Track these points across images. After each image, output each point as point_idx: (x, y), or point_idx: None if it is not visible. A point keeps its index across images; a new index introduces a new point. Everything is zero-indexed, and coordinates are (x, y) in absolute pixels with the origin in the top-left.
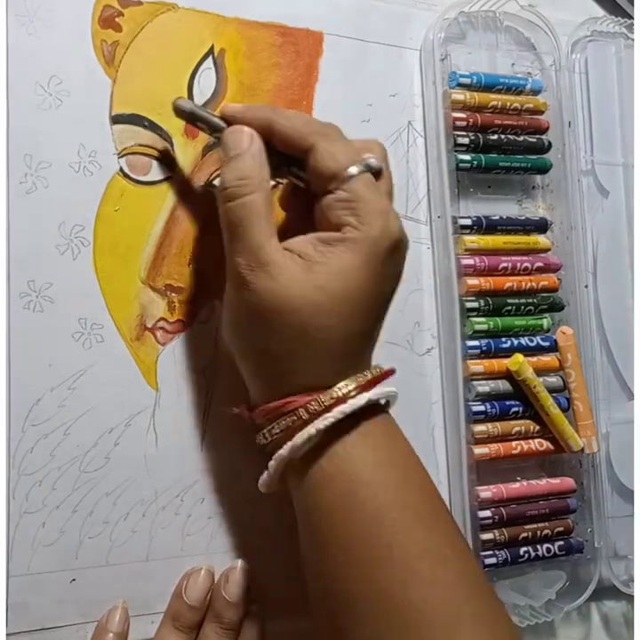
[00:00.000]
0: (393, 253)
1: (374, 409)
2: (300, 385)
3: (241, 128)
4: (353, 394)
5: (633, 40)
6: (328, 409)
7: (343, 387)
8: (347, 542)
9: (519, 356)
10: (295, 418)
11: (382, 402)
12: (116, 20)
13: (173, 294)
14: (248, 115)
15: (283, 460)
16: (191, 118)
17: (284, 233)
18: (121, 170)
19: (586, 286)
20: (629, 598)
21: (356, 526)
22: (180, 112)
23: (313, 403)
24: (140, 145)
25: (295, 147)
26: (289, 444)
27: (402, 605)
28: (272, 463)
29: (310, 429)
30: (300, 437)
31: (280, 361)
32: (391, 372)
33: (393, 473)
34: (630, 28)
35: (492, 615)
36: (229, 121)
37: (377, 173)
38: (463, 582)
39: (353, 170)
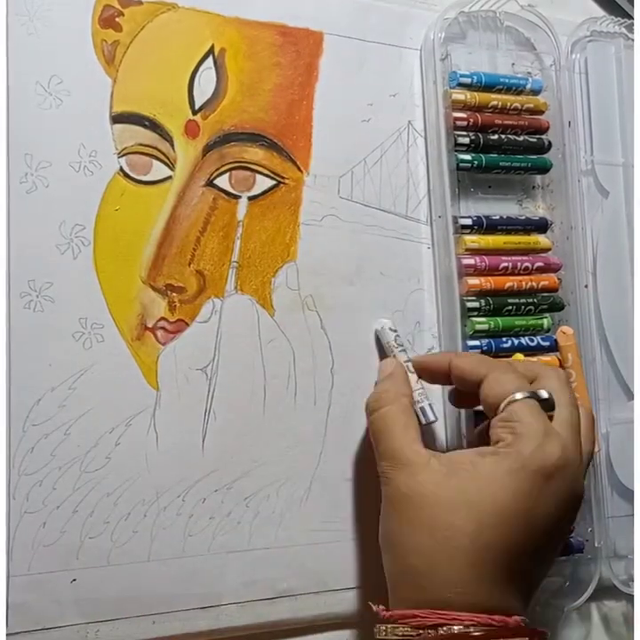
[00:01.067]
0: (548, 478)
1: None
2: (428, 592)
3: (390, 360)
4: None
5: (633, 40)
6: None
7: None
8: None
9: (519, 356)
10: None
11: None
12: (117, 19)
13: (174, 294)
14: (430, 357)
15: None
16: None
17: None
18: (121, 169)
19: (586, 286)
20: (629, 598)
21: None
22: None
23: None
24: (141, 144)
25: (471, 379)
26: None
27: None
28: None
29: None
30: None
31: (410, 557)
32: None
33: None
34: (630, 28)
35: None
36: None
37: (547, 404)
38: None
39: (518, 395)
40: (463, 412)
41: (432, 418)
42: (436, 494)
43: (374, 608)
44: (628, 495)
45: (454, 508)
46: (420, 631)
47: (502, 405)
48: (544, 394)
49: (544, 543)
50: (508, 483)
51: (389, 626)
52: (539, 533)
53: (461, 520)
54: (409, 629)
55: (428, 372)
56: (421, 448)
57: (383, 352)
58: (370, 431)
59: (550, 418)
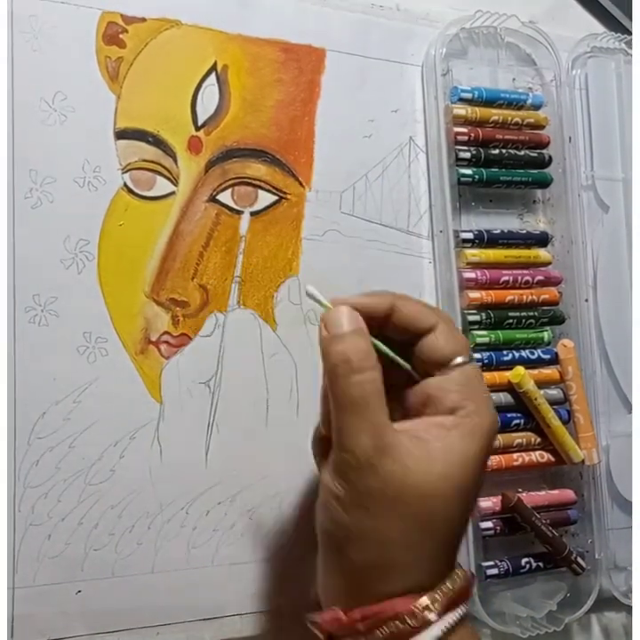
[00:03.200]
0: (493, 443)
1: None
2: (408, 582)
3: (342, 309)
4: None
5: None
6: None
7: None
8: None
9: (520, 369)
10: (400, 625)
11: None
12: (120, 36)
13: (177, 308)
14: (370, 299)
15: None
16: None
17: None
18: (125, 185)
19: (586, 300)
20: (629, 609)
21: None
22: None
23: (423, 608)
24: (144, 160)
25: (417, 325)
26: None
27: None
28: None
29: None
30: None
31: (391, 551)
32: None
33: None
34: (630, 43)
35: None
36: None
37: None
38: None
39: (462, 358)
40: None
41: None
42: (426, 483)
43: (316, 618)
44: (627, 507)
45: (448, 500)
46: (400, 624)
47: (453, 364)
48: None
49: None
50: (480, 459)
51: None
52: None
53: (452, 509)
54: (391, 625)
55: (365, 315)
56: (395, 428)
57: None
58: (341, 395)
59: None
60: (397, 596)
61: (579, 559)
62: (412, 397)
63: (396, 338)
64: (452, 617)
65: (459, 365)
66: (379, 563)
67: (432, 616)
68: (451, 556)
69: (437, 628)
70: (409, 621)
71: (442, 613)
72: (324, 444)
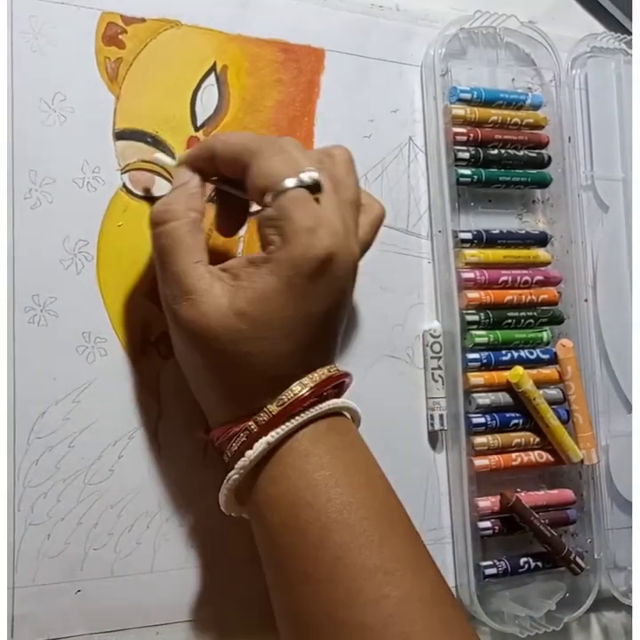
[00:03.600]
0: (320, 273)
1: (320, 424)
2: (237, 411)
3: (182, 168)
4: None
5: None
6: (264, 430)
7: (271, 408)
8: (292, 562)
9: (519, 369)
10: (236, 445)
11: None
12: (120, 37)
13: None
14: (193, 151)
15: (233, 482)
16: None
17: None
18: (124, 185)
19: (586, 300)
20: (629, 609)
21: (300, 547)
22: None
23: (250, 425)
24: (144, 161)
25: (235, 169)
26: (234, 470)
27: (347, 624)
28: (223, 484)
29: (259, 447)
30: (255, 452)
31: (214, 388)
32: (342, 377)
33: (335, 493)
34: (630, 44)
35: (448, 630)
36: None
37: (315, 187)
38: (415, 598)
39: (281, 185)
40: (463, 422)
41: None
42: (223, 325)
43: (198, 435)
44: (627, 507)
45: (241, 334)
46: (236, 443)
47: (268, 199)
48: (306, 178)
49: (331, 331)
50: (286, 292)
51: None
52: (318, 330)
53: (250, 344)
54: (232, 443)
55: (196, 165)
56: (205, 270)
57: None
58: (153, 251)
59: (317, 200)
60: (226, 423)
61: (577, 559)
62: None
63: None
64: (283, 427)
65: (273, 198)
66: (209, 395)
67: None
68: (278, 384)
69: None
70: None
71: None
72: None
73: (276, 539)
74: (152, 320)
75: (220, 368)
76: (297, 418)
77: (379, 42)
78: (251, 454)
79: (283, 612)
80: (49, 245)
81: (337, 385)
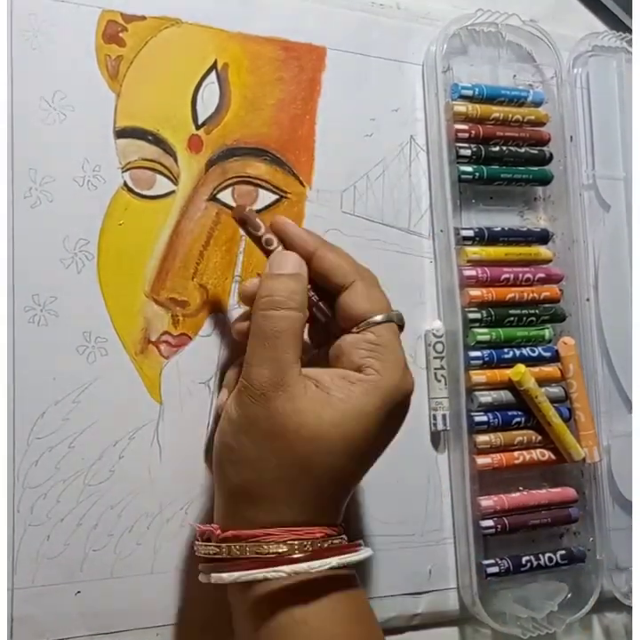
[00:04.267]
0: (402, 406)
1: (330, 584)
2: (272, 519)
3: (295, 255)
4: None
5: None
6: (302, 558)
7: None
8: None
9: (521, 367)
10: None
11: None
12: (120, 34)
13: (177, 308)
14: (298, 239)
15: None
16: (243, 225)
17: None
18: (125, 184)
19: (588, 299)
20: (630, 610)
21: None
22: (236, 219)
23: (294, 542)
24: (144, 159)
25: (335, 280)
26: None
27: None
28: (214, 576)
29: (274, 572)
30: (265, 572)
31: (266, 485)
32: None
33: None
34: (631, 42)
35: None
36: (277, 234)
37: (400, 329)
38: None
39: (380, 317)
40: (465, 420)
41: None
42: (315, 429)
43: (198, 527)
44: (629, 508)
45: (330, 446)
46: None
47: (364, 323)
48: (400, 317)
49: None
50: (378, 416)
51: (236, 545)
52: (375, 461)
53: (336, 458)
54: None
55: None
56: (300, 369)
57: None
58: (258, 327)
59: None
60: (263, 527)
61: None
62: (331, 351)
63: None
64: (313, 564)
65: (373, 325)
66: (252, 489)
67: (290, 553)
68: (329, 506)
69: (291, 568)
70: (264, 550)
71: (303, 557)
72: (237, 376)
73: None
74: (153, 320)
75: (292, 470)
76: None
77: (380, 40)
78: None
79: None
80: (49, 244)
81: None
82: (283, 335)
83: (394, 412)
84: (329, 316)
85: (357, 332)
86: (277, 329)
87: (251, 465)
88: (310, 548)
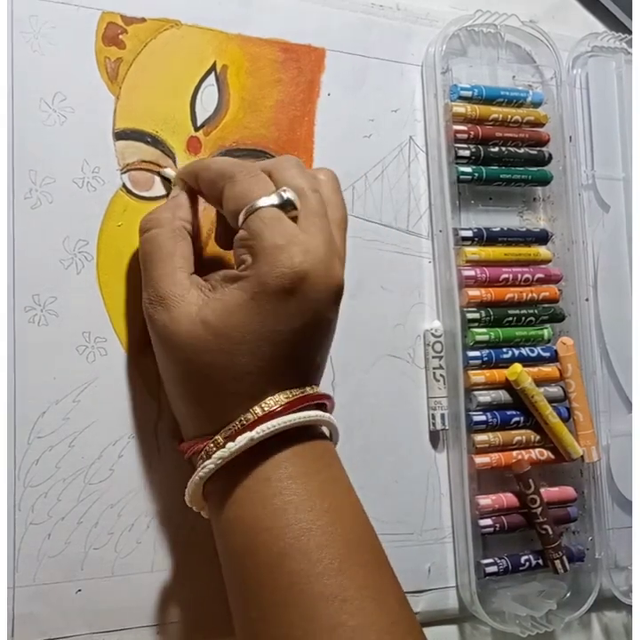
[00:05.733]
0: (289, 290)
1: (285, 445)
2: (205, 426)
3: (176, 184)
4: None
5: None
6: (222, 444)
7: (231, 427)
8: (249, 584)
9: (517, 366)
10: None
11: (317, 428)
12: (120, 37)
13: None
14: (183, 171)
15: (193, 488)
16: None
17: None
18: (124, 185)
19: (587, 299)
20: (630, 609)
21: (257, 572)
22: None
23: (217, 439)
24: (143, 161)
25: (213, 194)
26: (194, 478)
27: None
28: (189, 483)
29: (208, 464)
30: (200, 472)
31: (183, 400)
32: (320, 398)
33: (294, 519)
34: (631, 43)
35: None
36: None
37: (289, 205)
38: (373, 628)
39: (259, 203)
40: (464, 419)
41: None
42: (188, 332)
43: (177, 447)
44: (628, 507)
45: (205, 345)
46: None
47: (241, 219)
48: (277, 197)
49: (304, 351)
50: (250, 307)
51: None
52: (295, 345)
53: (212, 355)
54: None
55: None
56: (185, 278)
57: None
58: (140, 257)
59: (293, 219)
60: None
61: (565, 559)
62: None
63: None
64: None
65: (242, 221)
66: (174, 408)
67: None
68: (237, 402)
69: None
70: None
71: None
72: None
73: (235, 560)
74: None
75: (187, 378)
76: (264, 427)
77: (379, 41)
78: (213, 460)
79: (241, 629)
80: (49, 245)
81: (318, 405)
82: (149, 255)
83: (277, 298)
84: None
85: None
86: (144, 251)
87: (166, 381)
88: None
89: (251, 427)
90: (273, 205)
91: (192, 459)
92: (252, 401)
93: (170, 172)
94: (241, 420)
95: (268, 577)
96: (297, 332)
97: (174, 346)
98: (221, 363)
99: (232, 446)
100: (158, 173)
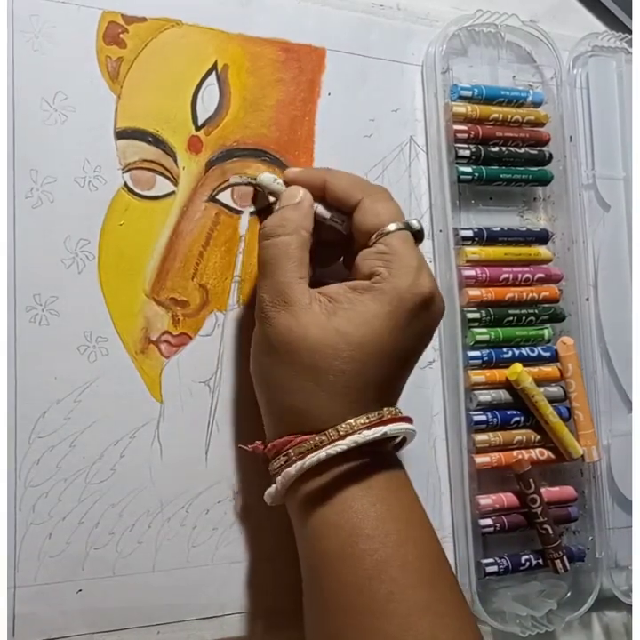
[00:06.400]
0: (421, 310)
1: (382, 459)
2: (309, 425)
3: (296, 187)
4: (362, 429)
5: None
6: (338, 439)
7: (353, 423)
8: (345, 591)
9: (517, 366)
10: (304, 448)
11: (394, 442)
12: (121, 36)
13: (177, 308)
14: (305, 175)
15: (290, 477)
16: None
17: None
18: (125, 185)
19: (587, 299)
20: (630, 608)
21: (355, 577)
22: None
23: (323, 436)
24: (144, 160)
25: (345, 203)
26: (298, 463)
27: None
28: (279, 479)
29: (320, 453)
30: (309, 459)
31: (291, 397)
32: (407, 419)
33: (394, 528)
34: (631, 43)
35: None
36: (289, 183)
37: (418, 236)
38: None
39: (392, 226)
40: (464, 419)
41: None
42: (318, 338)
43: (249, 448)
44: (628, 507)
45: (337, 352)
46: (304, 447)
47: (375, 236)
48: (416, 224)
49: (409, 370)
50: (387, 320)
51: (274, 460)
52: (407, 365)
53: (344, 363)
54: (295, 449)
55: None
56: (307, 288)
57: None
58: (258, 259)
59: None
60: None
61: (565, 559)
62: (353, 268)
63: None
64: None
65: (382, 236)
66: (281, 405)
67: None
68: (359, 409)
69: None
70: (295, 453)
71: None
72: None
73: (329, 564)
74: (153, 319)
75: (307, 380)
76: (376, 430)
77: (380, 41)
78: (325, 452)
79: (322, 632)
80: (50, 245)
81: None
82: (276, 260)
83: (411, 315)
84: (343, 221)
85: (370, 246)
86: (270, 256)
87: (274, 383)
88: (359, 425)
89: (376, 424)
90: (409, 230)
91: (282, 452)
92: (367, 409)
93: (268, 177)
94: (370, 417)
95: (367, 584)
96: (416, 350)
97: (300, 349)
98: (351, 370)
99: (368, 434)
100: (252, 184)
